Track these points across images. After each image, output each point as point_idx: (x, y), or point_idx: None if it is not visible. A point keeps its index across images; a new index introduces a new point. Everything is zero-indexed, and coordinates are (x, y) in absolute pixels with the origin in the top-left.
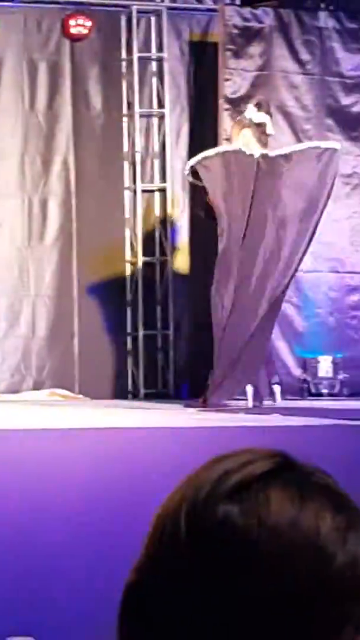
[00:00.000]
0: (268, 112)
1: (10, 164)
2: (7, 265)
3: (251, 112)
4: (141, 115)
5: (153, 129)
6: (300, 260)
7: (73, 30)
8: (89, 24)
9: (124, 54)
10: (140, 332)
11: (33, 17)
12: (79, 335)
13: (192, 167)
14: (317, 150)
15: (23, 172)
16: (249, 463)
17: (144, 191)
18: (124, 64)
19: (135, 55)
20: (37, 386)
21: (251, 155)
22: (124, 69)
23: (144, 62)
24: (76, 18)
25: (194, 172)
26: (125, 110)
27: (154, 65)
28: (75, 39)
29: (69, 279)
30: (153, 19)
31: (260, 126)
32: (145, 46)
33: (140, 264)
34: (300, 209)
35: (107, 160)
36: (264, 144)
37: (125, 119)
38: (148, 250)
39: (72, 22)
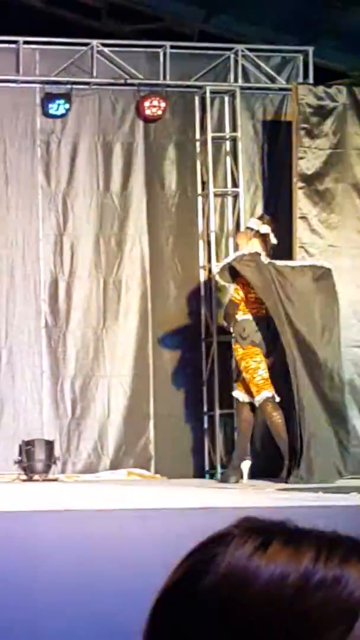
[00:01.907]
0: (270, 224)
1: (86, 245)
2: (83, 346)
3: (256, 224)
4: (216, 195)
5: (227, 208)
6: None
7: (147, 112)
8: (163, 105)
9: (197, 134)
10: (217, 411)
11: (108, 98)
12: (154, 414)
13: (225, 266)
14: (315, 268)
15: (98, 252)
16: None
17: None
18: (198, 144)
19: (209, 135)
20: (113, 466)
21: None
22: (198, 149)
23: (217, 141)
24: (151, 99)
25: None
26: (199, 189)
27: (227, 145)
28: (149, 119)
29: (145, 358)
30: (227, 99)
31: (265, 237)
32: (219, 126)
33: (215, 343)
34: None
35: (182, 240)
36: (269, 253)
37: (199, 199)
38: (223, 329)
39: (146, 103)
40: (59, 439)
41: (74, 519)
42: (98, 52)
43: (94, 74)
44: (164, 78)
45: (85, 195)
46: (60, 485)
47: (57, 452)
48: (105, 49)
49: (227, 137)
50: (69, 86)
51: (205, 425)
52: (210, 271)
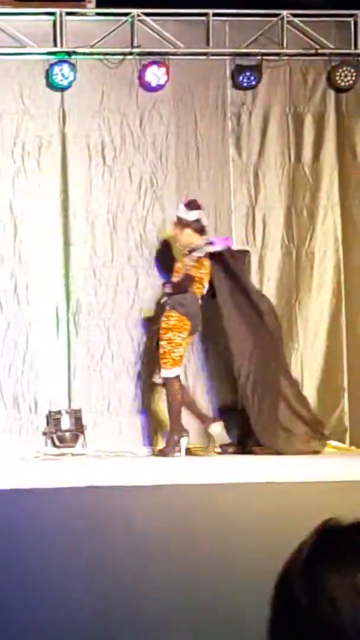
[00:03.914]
0: (198, 207)
1: (277, 217)
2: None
3: (183, 212)
4: None
5: None
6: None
7: (339, 81)
8: (355, 74)
9: None
10: None
11: (298, 69)
12: (349, 387)
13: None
14: (243, 252)
15: (290, 224)
16: None
17: None
18: None
19: None
20: None
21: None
22: None
23: None
24: (342, 68)
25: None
26: None
27: None
28: (341, 89)
29: (338, 331)
30: None
31: (197, 222)
32: None
33: None
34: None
35: None
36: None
37: None
38: None
39: (337, 72)
40: None
41: (269, 491)
42: (288, 22)
43: (284, 44)
44: (355, 47)
45: (276, 167)
46: (255, 458)
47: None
48: (296, 19)
49: None
50: (259, 57)
51: None
52: None
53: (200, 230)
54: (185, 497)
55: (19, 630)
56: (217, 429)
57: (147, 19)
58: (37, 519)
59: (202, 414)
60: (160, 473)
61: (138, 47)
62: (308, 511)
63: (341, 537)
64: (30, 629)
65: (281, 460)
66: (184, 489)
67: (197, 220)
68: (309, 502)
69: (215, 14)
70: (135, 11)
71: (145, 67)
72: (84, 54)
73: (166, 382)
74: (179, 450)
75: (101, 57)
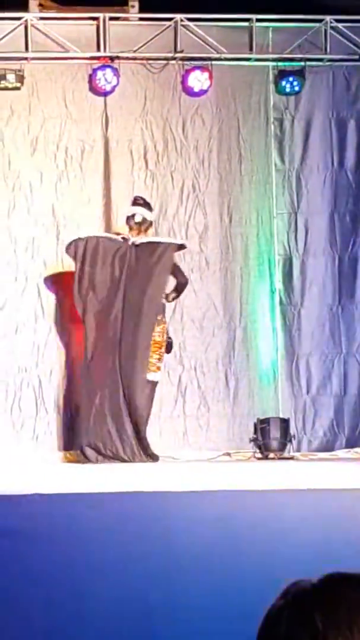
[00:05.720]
0: (139, 204)
1: (320, 222)
2: (318, 323)
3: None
4: None
5: None
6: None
7: None
8: None
9: None
10: None
11: (341, 75)
12: None
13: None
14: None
15: (333, 230)
16: None
17: None
18: None
19: None
20: (350, 444)
21: (122, 240)
22: None
23: None
24: None
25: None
26: None
27: None
28: None
29: None
30: None
31: (132, 217)
32: None
33: None
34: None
35: None
36: (138, 231)
37: None
38: None
39: None
40: (294, 417)
41: (310, 498)
42: (331, 27)
43: (328, 50)
44: None
45: (319, 173)
46: (296, 464)
47: (293, 430)
48: (339, 25)
49: None
50: (302, 63)
51: None
52: None
53: (133, 226)
54: (231, 503)
55: (63, 633)
56: None
57: (191, 24)
58: (78, 523)
59: None
60: (207, 478)
61: (181, 52)
62: (346, 519)
63: (302, 593)
64: (75, 632)
65: (319, 467)
66: (228, 495)
67: (132, 217)
68: (347, 509)
69: (258, 20)
70: (178, 16)
71: (188, 72)
72: (127, 58)
73: None
74: None
75: (144, 62)
